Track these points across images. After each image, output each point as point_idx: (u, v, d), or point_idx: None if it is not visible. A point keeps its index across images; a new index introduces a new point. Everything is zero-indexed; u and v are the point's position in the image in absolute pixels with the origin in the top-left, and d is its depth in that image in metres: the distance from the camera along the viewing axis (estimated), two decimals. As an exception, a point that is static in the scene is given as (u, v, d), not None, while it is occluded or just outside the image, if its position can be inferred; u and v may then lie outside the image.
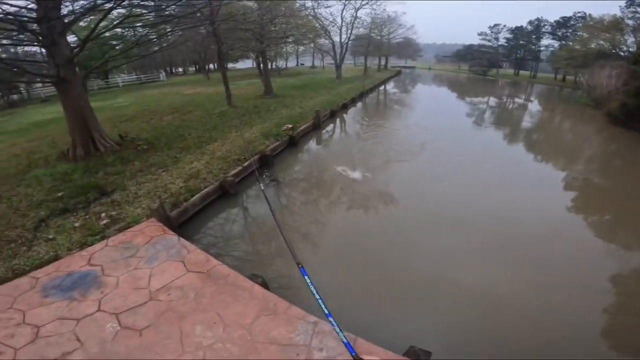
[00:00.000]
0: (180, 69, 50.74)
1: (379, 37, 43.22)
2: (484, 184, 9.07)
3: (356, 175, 9.43)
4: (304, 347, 3.41)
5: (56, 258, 4.71)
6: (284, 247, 5.82)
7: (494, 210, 7.49)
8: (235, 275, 4.46)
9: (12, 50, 19.95)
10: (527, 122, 20.31)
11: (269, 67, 24.44)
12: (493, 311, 4.62)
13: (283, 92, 22.19)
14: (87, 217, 5.93)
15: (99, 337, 3.46)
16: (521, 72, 54.13)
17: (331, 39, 30.89)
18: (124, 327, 3.61)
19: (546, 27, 48.85)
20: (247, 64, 48.15)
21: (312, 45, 35.29)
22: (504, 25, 54.25)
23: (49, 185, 7.28)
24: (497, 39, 55.30)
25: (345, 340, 1.12)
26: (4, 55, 15.87)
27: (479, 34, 57.12)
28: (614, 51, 28.88)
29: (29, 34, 7.97)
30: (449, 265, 5.47)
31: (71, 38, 9.84)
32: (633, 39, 27.51)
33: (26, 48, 20.49)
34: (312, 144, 13.50)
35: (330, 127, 16.55)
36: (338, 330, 1.18)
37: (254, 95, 20.55)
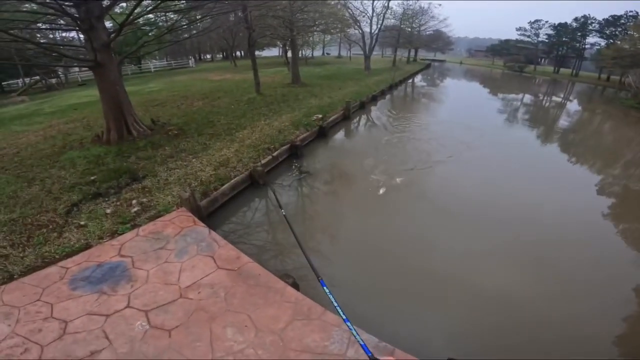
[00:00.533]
0: (209, 56, 51.34)
1: (409, 29, 41.66)
2: (512, 182, 8.63)
3: (390, 176, 8.94)
4: (339, 357, 3.14)
5: (87, 247, 4.62)
6: (313, 248, 5.62)
7: (520, 211, 7.04)
8: (266, 275, 4.21)
9: (51, 35, 20.72)
10: (565, 122, 18.97)
11: (297, 56, 23.98)
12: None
13: (310, 81, 21.81)
14: (118, 203, 5.86)
15: (128, 336, 3.30)
16: (562, 69, 50.84)
17: (361, 29, 29.98)
18: (153, 327, 3.44)
19: (593, 24, 45.44)
20: (272, 52, 47.95)
21: (339, 35, 34.47)
22: (546, 21, 51.09)
23: (83, 168, 7.32)
24: (537, 35, 52.09)
25: (362, 342, 0.96)
26: (42, 41, 16.42)
27: (517, 29, 54.27)
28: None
29: (68, 18, 7.97)
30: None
31: (108, 24, 9.88)
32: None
33: (64, 34, 21.33)
34: (342, 136, 13.09)
35: (359, 118, 16.02)
36: (355, 332, 1.08)
37: (281, 84, 20.28)
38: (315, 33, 30.60)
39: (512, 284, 4.95)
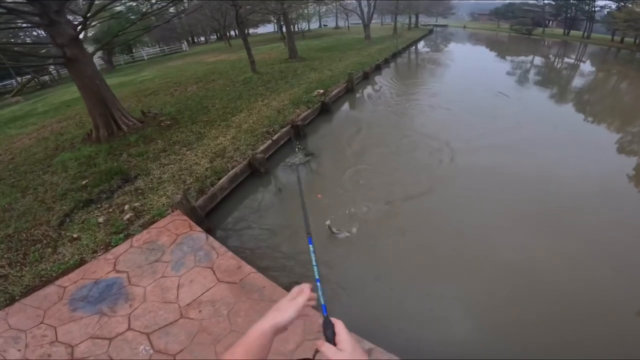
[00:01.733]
0: (202, 38, 49.59)
1: (408, -7, 39.29)
2: (527, 147, 8.22)
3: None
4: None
5: (81, 262, 4.39)
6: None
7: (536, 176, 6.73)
8: (272, 288, 3.92)
9: (21, 35, 19.70)
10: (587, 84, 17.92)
11: (292, 29, 22.76)
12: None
13: (309, 54, 20.84)
14: (110, 210, 5.57)
15: None
16: (572, 32, 48.04)
17: (357, -4, 28.25)
18: (157, 351, 3.22)
19: None
20: (267, 28, 46.00)
21: (335, 4, 32.62)
22: None
23: (74, 171, 7.01)
24: (542, -3, 48.84)
25: (323, 302, 0.66)
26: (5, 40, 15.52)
27: (522, -8, 50.71)
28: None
29: (25, 16, 7.34)
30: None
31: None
32: None
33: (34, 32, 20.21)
34: (347, 110, 12.36)
35: (364, 90, 15.05)
36: (321, 293, 0.78)
37: (279, 60, 19.39)
38: (308, 5, 28.95)
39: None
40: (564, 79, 18.98)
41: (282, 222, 5.85)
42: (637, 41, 31.47)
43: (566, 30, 48.54)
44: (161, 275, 4.07)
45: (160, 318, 3.54)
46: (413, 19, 48.34)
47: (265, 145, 7.97)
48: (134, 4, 14.44)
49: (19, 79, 25.89)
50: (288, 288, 3.95)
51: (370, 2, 29.10)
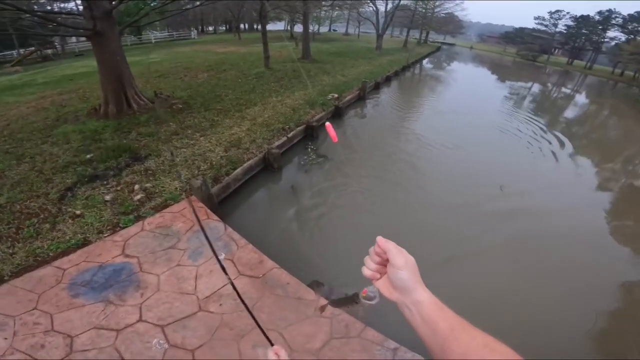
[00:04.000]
0: (211, 28, 49.13)
1: (424, 10, 39.73)
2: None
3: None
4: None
5: (85, 243, 3.93)
6: (341, 246, 4.92)
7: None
8: (296, 285, 3.59)
9: (48, 7, 19.20)
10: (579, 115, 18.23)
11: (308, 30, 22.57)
12: None
13: (320, 57, 20.70)
14: (118, 188, 5.13)
15: (146, 356, 2.73)
16: (575, 62, 49.37)
17: (375, 6, 28.33)
18: (172, 345, 2.84)
19: (617, 19, 43.62)
20: (277, 26, 45.79)
21: (350, 11, 32.70)
22: (567, 12, 49.22)
23: (78, 144, 6.52)
24: (555, 25, 50.28)
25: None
26: (37, 9, 15.17)
27: (536, 18, 52.18)
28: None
29: None
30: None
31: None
32: None
33: (62, 4, 19.75)
34: (358, 117, 12.26)
35: (375, 99, 15.07)
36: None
37: (290, 59, 19.08)
38: (328, 8, 28.92)
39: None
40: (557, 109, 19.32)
41: (296, 220, 5.57)
42: (637, 75, 32.21)
43: (570, 60, 49.86)
44: (177, 264, 3.67)
45: (176, 310, 3.15)
46: (424, 35, 48.96)
47: (281, 141, 7.73)
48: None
49: (21, 50, 24.94)
50: (311, 286, 3.65)
51: (388, 12, 29.23)
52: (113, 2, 7.79)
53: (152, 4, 13.03)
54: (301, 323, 3.17)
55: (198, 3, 17.50)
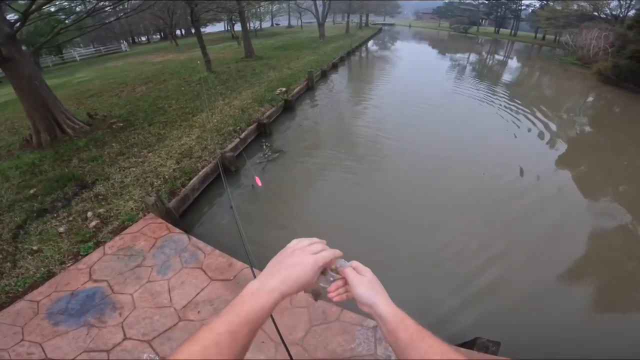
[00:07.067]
0: (144, 38, 46.20)
1: (359, -6, 40.51)
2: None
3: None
4: (371, 358, 2.95)
5: (50, 275, 3.89)
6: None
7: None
8: (267, 279, 3.83)
9: None
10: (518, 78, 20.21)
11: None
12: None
13: (265, 53, 20.54)
14: (70, 218, 4.99)
15: None
16: (501, 30, 53.11)
17: (312, -4, 28.47)
18: (163, 357, 2.99)
19: None
20: (217, 27, 44.32)
21: (289, 3, 32.51)
22: None
23: (18, 180, 6.14)
24: (478, -4, 53.44)
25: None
26: None
27: (460, -9, 54.99)
28: (595, 14, 28.70)
29: None
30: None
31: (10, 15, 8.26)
32: (617, 2, 27.21)
33: None
34: (309, 107, 12.50)
35: (324, 87, 15.48)
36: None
37: (234, 59, 18.82)
38: (264, 3, 28.49)
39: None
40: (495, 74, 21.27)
41: (261, 216, 5.83)
42: (557, 38, 35.44)
43: (496, 29, 53.56)
44: (147, 280, 3.76)
45: (158, 323, 3.28)
46: (364, 18, 49.93)
47: (234, 143, 7.82)
48: (65, 3, 13.02)
49: None
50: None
51: (325, 1, 29.49)
52: (15, 26, 7.13)
53: (66, 21, 12.02)
54: (279, 316, 3.32)
55: (122, 14, 16.45)
